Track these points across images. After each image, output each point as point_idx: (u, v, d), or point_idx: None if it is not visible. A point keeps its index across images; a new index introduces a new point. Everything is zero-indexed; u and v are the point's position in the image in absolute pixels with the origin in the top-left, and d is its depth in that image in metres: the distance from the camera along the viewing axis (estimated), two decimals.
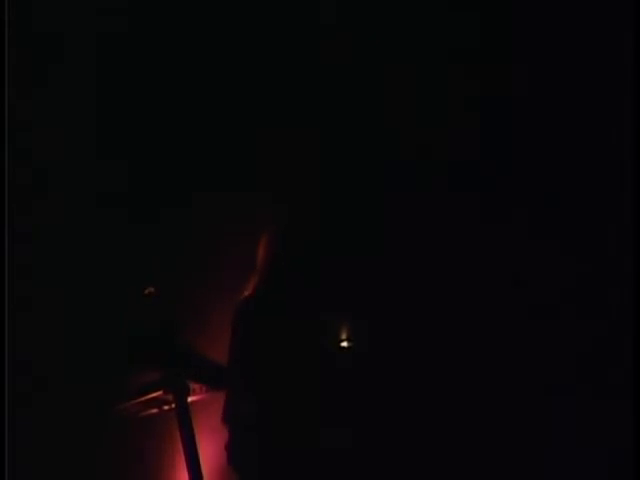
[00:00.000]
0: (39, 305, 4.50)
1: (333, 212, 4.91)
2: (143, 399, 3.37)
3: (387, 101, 4.89)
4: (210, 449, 3.55)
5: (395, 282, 4.80)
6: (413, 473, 4.44)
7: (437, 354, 4.64)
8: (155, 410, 3.52)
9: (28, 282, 4.40)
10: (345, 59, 4.90)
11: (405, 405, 4.58)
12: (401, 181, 4.88)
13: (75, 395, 4.19)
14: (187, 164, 4.93)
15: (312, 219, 4.84)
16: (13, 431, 3.51)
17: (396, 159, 4.89)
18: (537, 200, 4.71)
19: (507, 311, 4.63)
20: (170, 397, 3.29)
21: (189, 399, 3.28)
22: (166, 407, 3.45)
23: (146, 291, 3.41)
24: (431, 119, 4.89)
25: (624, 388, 3.76)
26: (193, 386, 3.28)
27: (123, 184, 4.74)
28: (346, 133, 4.94)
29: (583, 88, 4.59)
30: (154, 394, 3.32)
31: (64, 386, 4.40)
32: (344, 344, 4.08)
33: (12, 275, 3.62)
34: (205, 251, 4.60)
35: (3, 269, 3.60)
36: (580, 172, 4.58)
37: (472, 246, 4.76)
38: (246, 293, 3.67)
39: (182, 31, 4.83)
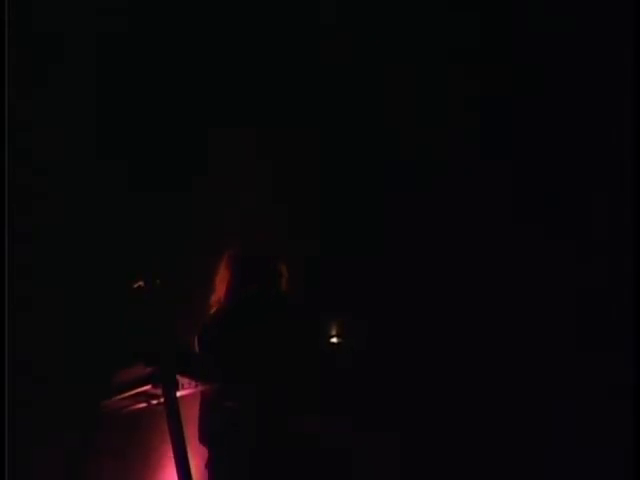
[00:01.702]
0: (39, 305, 4.50)
1: (332, 212, 4.92)
2: (131, 393, 3.35)
3: (387, 101, 4.89)
4: (197, 444, 3.56)
5: (394, 282, 4.81)
6: (412, 473, 4.45)
7: (437, 354, 4.65)
8: (143, 404, 3.51)
9: (28, 282, 4.39)
10: (345, 59, 4.90)
11: (404, 405, 4.58)
12: (401, 181, 4.88)
13: (75, 395, 4.19)
14: (187, 164, 4.93)
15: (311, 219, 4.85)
16: (13, 431, 3.51)
17: (396, 159, 4.90)
18: (537, 200, 4.71)
19: (506, 311, 4.63)
20: (159, 391, 3.28)
21: (178, 393, 3.27)
22: (154, 401, 3.44)
23: (135, 285, 3.40)
24: (431, 119, 4.89)
25: (624, 388, 3.76)
26: (182, 381, 3.27)
27: (123, 184, 4.74)
28: (346, 133, 4.95)
29: (583, 88, 4.59)
30: (142, 388, 3.31)
31: (64, 386, 4.40)
32: (334, 340, 4.09)
33: (12, 275, 3.62)
34: (205, 251, 4.60)
35: (3, 269, 3.60)
36: (580, 172, 4.58)
37: (471, 246, 4.76)
38: (212, 311, 3.71)
39: (182, 31, 4.83)
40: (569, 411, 4.38)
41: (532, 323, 4.59)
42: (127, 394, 3.31)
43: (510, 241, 4.71)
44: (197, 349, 3.54)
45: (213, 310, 3.70)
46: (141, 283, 3.38)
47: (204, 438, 3.51)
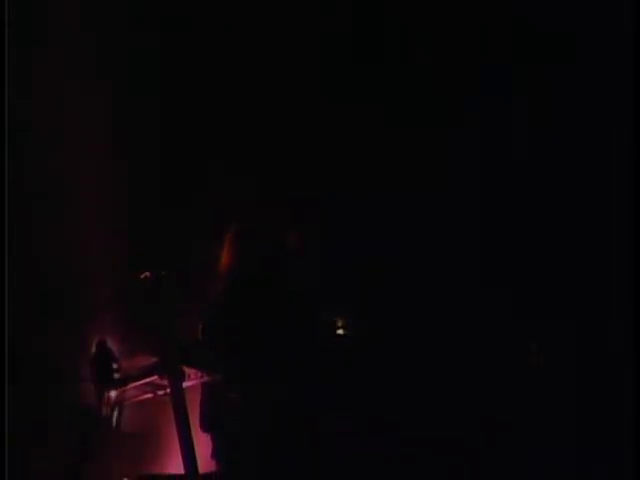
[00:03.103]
0: (39, 305, 4.51)
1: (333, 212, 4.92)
2: (138, 384, 3.36)
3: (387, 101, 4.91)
4: (204, 434, 3.56)
5: (394, 280, 4.81)
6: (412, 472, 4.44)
7: (436, 351, 4.65)
8: (150, 395, 3.52)
9: (28, 282, 4.40)
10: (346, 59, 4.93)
11: (404, 404, 4.58)
12: (402, 180, 4.89)
13: (77, 393, 4.19)
14: (187, 164, 4.94)
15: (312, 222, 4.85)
16: (13, 431, 3.52)
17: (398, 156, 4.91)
18: (536, 200, 4.73)
19: (506, 312, 4.64)
20: (165, 382, 3.28)
21: (184, 384, 3.27)
22: (161, 392, 3.45)
23: (142, 276, 3.41)
24: (430, 119, 4.91)
25: (624, 390, 3.77)
26: (188, 371, 3.28)
27: (124, 183, 4.75)
28: (345, 133, 4.96)
29: (584, 88, 4.61)
30: (149, 379, 3.32)
31: (64, 386, 4.41)
32: (340, 332, 4.08)
33: (12, 275, 3.63)
34: (206, 250, 4.60)
35: (3, 269, 3.61)
36: (580, 172, 4.60)
37: (471, 245, 4.78)
38: (215, 297, 3.68)
39: (182, 31, 4.84)
40: (569, 412, 4.39)
41: (532, 323, 4.60)
42: (134, 385, 3.33)
43: (509, 240, 4.73)
44: (201, 337, 3.53)
45: (217, 297, 3.68)
46: (147, 274, 3.39)
47: (205, 425, 3.50)
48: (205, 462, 3.46)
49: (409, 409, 4.49)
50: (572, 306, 4.58)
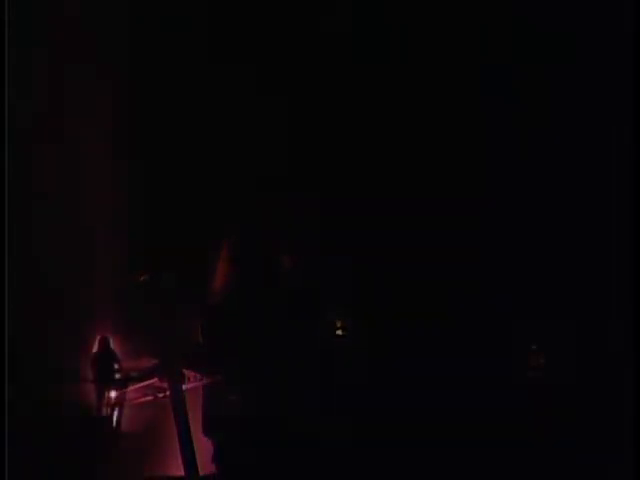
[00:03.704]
0: (39, 304, 4.51)
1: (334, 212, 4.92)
2: (138, 386, 3.36)
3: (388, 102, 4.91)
4: (204, 437, 3.56)
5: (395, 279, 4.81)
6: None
7: (436, 351, 4.65)
8: (150, 398, 3.52)
9: (28, 282, 4.40)
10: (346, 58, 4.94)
11: (404, 405, 4.57)
12: (402, 181, 4.89)
13: (77, 393, 4.20)
14: (188, 164, 4.93)
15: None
16: (12, 431, 3.51)
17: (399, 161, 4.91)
18: (537, 200, 4.73)
19: (506, 312, 4.64)
20: (165, 385, 3.29)
21: (184, 387, 3.27)
22: (161, 395, 3.45)
23: (141, 278, 3.41)
24: (431, 122, 4.91)
25: (624, 390, 3.76)
26: (188, 374, 3.28)
27: (124, 183, 4.75)
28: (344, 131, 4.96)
29: (584, 88, 4.60)
30: (149, 381, 3.32)
31: (66, 386, 4.41)
32: (340, 332, 4.08)
33: (12, 275, 3.62)
34: (206, 250, 4.59)
35: (3, 269, 3.60)
36: (580, 172, 4.60)
37: (471, 246, 4.78)
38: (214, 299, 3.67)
39: (182, 31, 4.84)
40: (569, 412, 4.39)
41: (531, 323, 4.60)
42: (134, 387, 3.33)
43: (510, 241, 4.72)
44: (201, 338, 3.52)
45: (216, 299, 3.67)
46: (146, 277, 3.39)
47: (206, 428, 3.50)
48: (206, 465, 3.46)
49: (409, 409, 4.48)
50: (572, 306, 4.57)
